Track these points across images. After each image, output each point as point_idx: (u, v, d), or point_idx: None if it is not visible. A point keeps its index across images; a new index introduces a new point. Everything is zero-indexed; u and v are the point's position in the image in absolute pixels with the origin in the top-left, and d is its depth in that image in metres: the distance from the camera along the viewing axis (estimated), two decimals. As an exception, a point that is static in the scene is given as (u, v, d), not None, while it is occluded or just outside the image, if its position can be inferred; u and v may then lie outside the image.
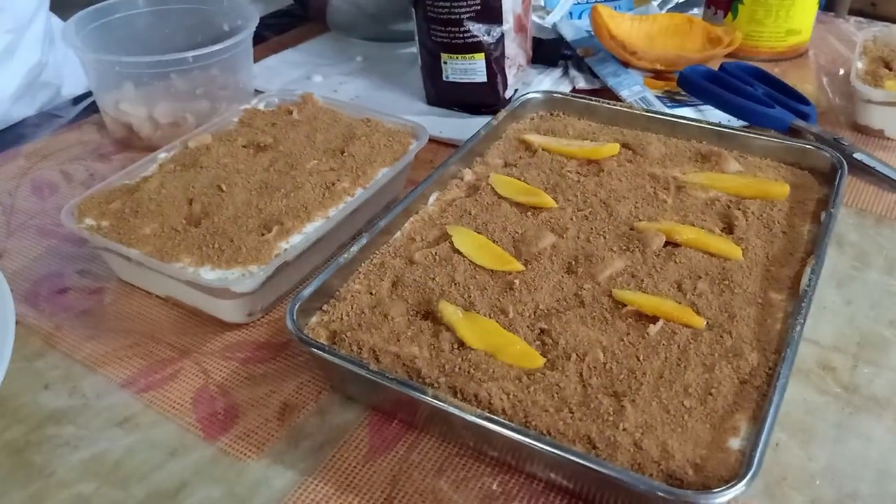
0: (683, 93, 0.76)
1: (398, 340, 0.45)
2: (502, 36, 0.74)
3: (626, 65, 0.82)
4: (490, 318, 0.47)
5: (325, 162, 0.61)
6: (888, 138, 0.72)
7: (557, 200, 0.57)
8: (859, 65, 0.74)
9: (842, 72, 0.85)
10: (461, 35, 0.73)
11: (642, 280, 0.49)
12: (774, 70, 0.82)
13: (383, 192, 0.61)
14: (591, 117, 0.68)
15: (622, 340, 0.45)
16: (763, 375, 0.42)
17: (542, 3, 0.96)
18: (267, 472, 0.43)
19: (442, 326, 0.46)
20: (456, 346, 0.45)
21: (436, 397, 0.41)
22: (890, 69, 0.73)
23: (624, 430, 0.39)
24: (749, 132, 0.63)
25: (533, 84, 0.81)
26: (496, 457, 0.43)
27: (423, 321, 0.47)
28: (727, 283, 0.49)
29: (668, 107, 0.75)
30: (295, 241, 0.53)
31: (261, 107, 0.70)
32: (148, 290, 0.56)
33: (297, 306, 0.46)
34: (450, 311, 0.47)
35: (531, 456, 0.40)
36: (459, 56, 0.75)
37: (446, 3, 0.72)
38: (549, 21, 0.93)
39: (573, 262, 0.51)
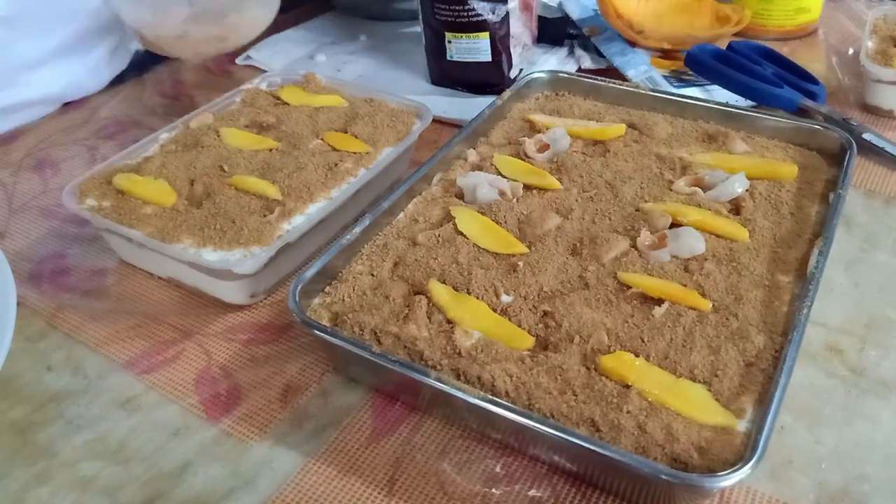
0: (690, 72, 0.75)
1: (398, 321, 0.45)
2: (507, 14, 0.73)
3: (632, 44, 0.81)
4: (481, 299, 0.46)
5: (328, 142, 0.61)
6: (898, 118, 0.71)
7: (562, 181, 0.56)
8: (869, 44, 0.73)
9: (851, 51, 0.84)
10: (466, 14, 0.72)
11: (648, 261, 0.49)
12: (783, 49, 0.81)
13: (386, 173, 0.60)
14: (596, 97, 0.68)
15: (627, 322, 0.44)
16: (769, 358, 0.42)
17: (548, -18, 0.95)
18: (270, 453, 0.43)
19: (434, 307, 0.46)
20: (446, 325, 0.45)
21: (439, 380, 0.40)
22: (901, 48, 0.72)
23: (628, 412, 0.39)
24: (757, 112, 0.62)
25: (538, 63, 0.80)
26: (499, 439, 0.43)
27: (421, 302, 0.46)
28: (734, 264, 0.48)
29: (675, 87, 0.74)
30: (297, 222, 0.53)
31: (263, 86, 0.70)
32: (150, 271, 0.56)
33: (299, 288, 0.45)
34: (439, 292, 0.47)
35: (534, 438, 0.40)
36: (464, 35, 0.74)
37: (451, -20, 0.71)
38: (554, -1, 0.92)
39: (578, 244, 0.51)
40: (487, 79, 0.76)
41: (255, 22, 0.74)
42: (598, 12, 0.84)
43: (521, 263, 0.48)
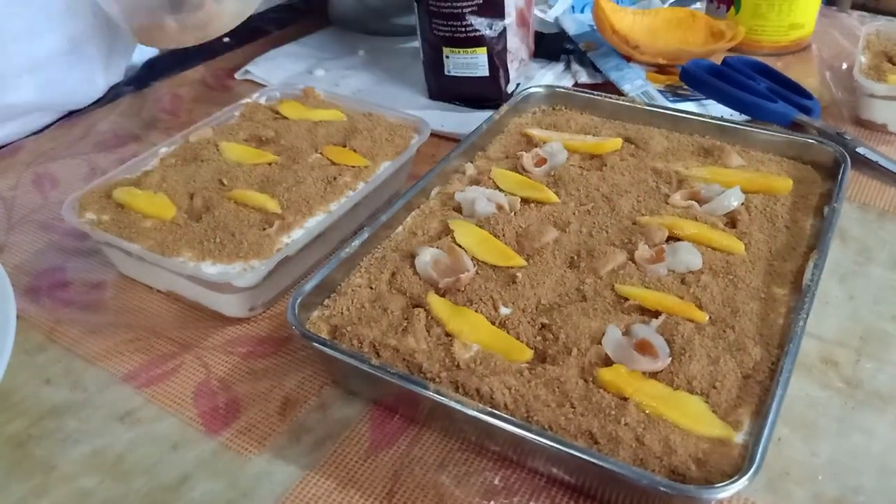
0: (686, 87, 0.76)
1: (396, 334, 0.45)
2: (504, 30, 0.74)
3: (628, 59, 0.82)
4: (480, 312, 0.47)
5: (327, 156, 0.61)
6: (891, 133, 0.72)
7: (559, 195, 0.57)
8: (862, 59, 0.74)
9: (845, 66, 0.85)
10: (463, 29, 0.73)
11: (645, 274, 0.49)
12: (777, 64, 0.81)
13: (385, 187, 0.61)
14: (593, 112, 0.68)
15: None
16: (766, 370, 0.42)
17: (545, -3, 0.96)
18: (268, 466, 0.43)
19: (433, 320, 0.46)
20: (444, 337, 0.45)
21: (438, 392, 0.40)
22: (893, 63, 0.73)
23: (626, 424, 0.39)
24: (752, 127, 0.63)
25: (535, 78, 0.81)
26: (498, 451, 0.43)
27: (419, 315, 0.46)
28: (730, 277, 0.48)
29: (671, 101, 0.75)
30: (296, 235, 0.53)
31: (262, 101, 0.70)
32: (149, 284, 0.56)
33: (298, 301, 0.46)
34: (438, 304, 0.47)
35: (533, 451, 0.40)
36: (461, 50, 0.75)
37: (448, -4, 0.72)
38: (551, 15, 0.92)
39: (575, 257, 0.51)
40: (485, 93, 0.77)
41: (234, 10, 0.74)
42: (594, 28, 0.84)
43: (519, 276, 0.49)
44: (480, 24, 0.73)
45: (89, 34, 0.78)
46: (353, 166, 0.60)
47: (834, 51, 0.89)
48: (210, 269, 0.50)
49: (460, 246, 0.51)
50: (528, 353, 0.44)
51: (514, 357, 0.44)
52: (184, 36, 0.73)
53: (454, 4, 0.72)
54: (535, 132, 0.65)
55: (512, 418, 0.39)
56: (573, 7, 0.94)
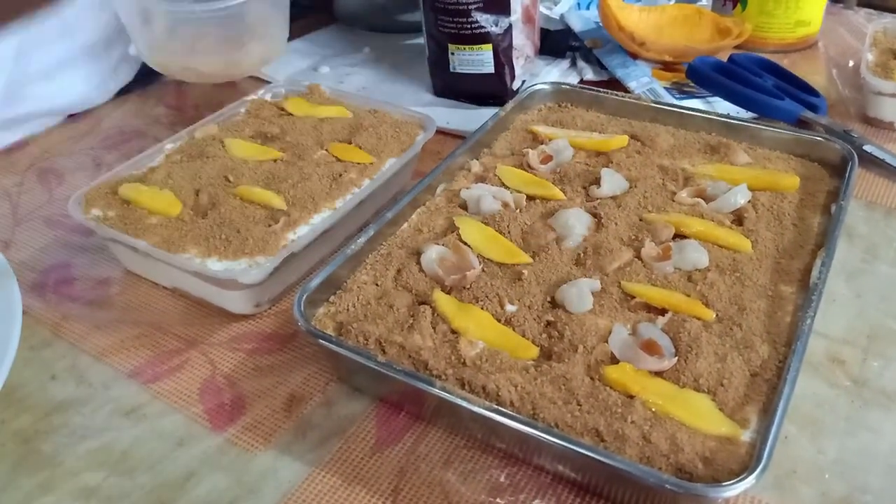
0: (692, 84, 0.75)
1: (402, 331, 0.45)
2: (510, 27, 0.74)
3: (634, 56, 0.81)
4: (486, 309, 0.47)
5: (332, 153, 0.61)
6: (898, 130, 0.71)
7: (566, 192, 0.57)
8: (869, 56, 0.73)
9: (851, 63, 0.84)
10: (469, 26, 0.73)
11: (652, 272, 0.49)
12: (784, 61, 0.81)
13: (390, 184, 0.61)
14: (599, 109, 0.68)
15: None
16: (773, 368, 0.42)
17: (550, -6, 0.95)
18: (274, 463, 0.43)
19: (439, 317, 0.46)
20: (450, 335, 0.45)
21: (444, 389, 0.40)
22: (901, 61, 0.72)
23: (632, 422, 0.39)
24: (758, 124, 0.63)
25: (540, 75, 0.81)
26: (504, 449, 0.43)
27: (425, 312, 0.46)
28: (737, 275, 0.48)
29: (677, 98, 0.75)
30: (302, 232, 0.53)
31: (268, 97, 0.70)
32: (155, 280, 0.56)
33: (304, 297, 0.46)
34: (444, 301, 0.47)
35: (539, 448, 0.40)
36: (467, 47, 0.74)
37: (454, -7, 0.71)
38: (556, 12, 0.92)
39: (582, 254, 0.51)
40: (490, 90, 0.77)
41: (264, 55, 0.75)
42: (600, 24, 0.84)
43: (525, 273, 0.49)
44: (486, 21, 0.73)
45: (104, 41, 0.78)
46: (359, 163, 0.60)
47: (841, 48, 0.89)
48: (216, 265, 0.50)
49: (466, 243, 0.51)
50: (534, 351, 0.44)
51: (520, 354, 0.44)
52: (212, 78, 0.75)
53: (460, 1, 0.72)
54: (541, 129, 0.65)
55: (518, 415, 0.39)
56: (579, 4, 0.94)
